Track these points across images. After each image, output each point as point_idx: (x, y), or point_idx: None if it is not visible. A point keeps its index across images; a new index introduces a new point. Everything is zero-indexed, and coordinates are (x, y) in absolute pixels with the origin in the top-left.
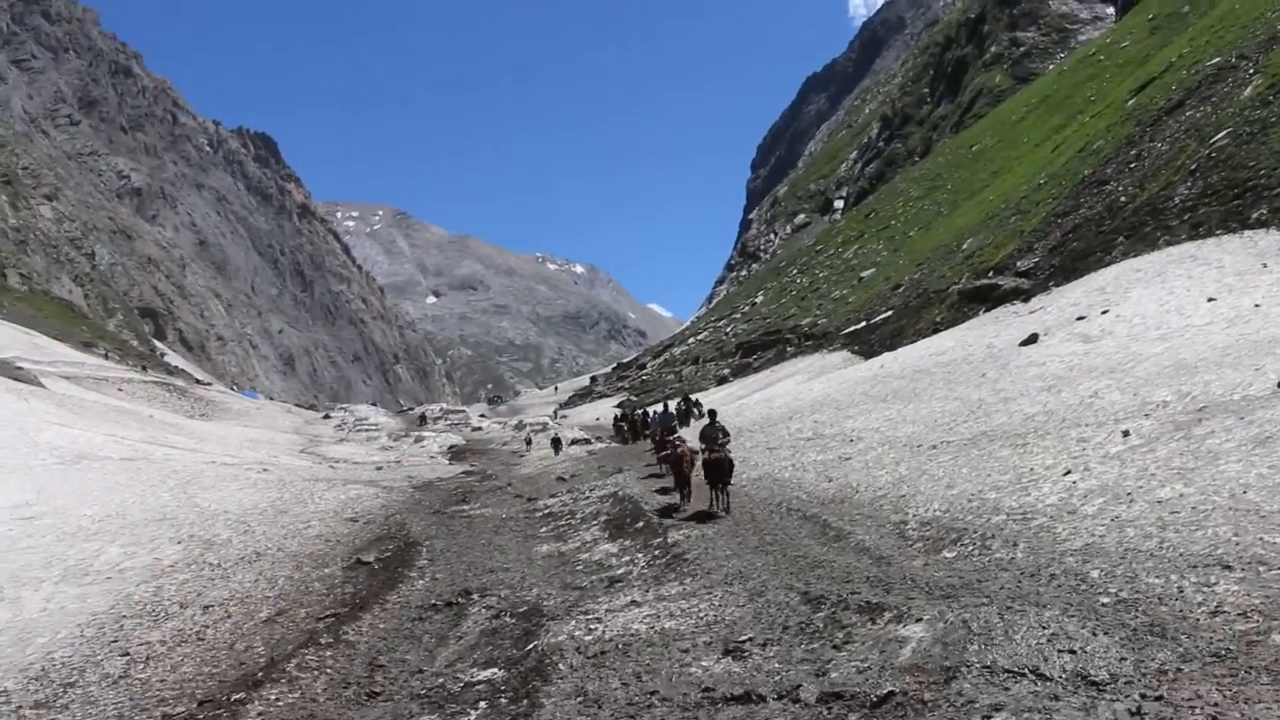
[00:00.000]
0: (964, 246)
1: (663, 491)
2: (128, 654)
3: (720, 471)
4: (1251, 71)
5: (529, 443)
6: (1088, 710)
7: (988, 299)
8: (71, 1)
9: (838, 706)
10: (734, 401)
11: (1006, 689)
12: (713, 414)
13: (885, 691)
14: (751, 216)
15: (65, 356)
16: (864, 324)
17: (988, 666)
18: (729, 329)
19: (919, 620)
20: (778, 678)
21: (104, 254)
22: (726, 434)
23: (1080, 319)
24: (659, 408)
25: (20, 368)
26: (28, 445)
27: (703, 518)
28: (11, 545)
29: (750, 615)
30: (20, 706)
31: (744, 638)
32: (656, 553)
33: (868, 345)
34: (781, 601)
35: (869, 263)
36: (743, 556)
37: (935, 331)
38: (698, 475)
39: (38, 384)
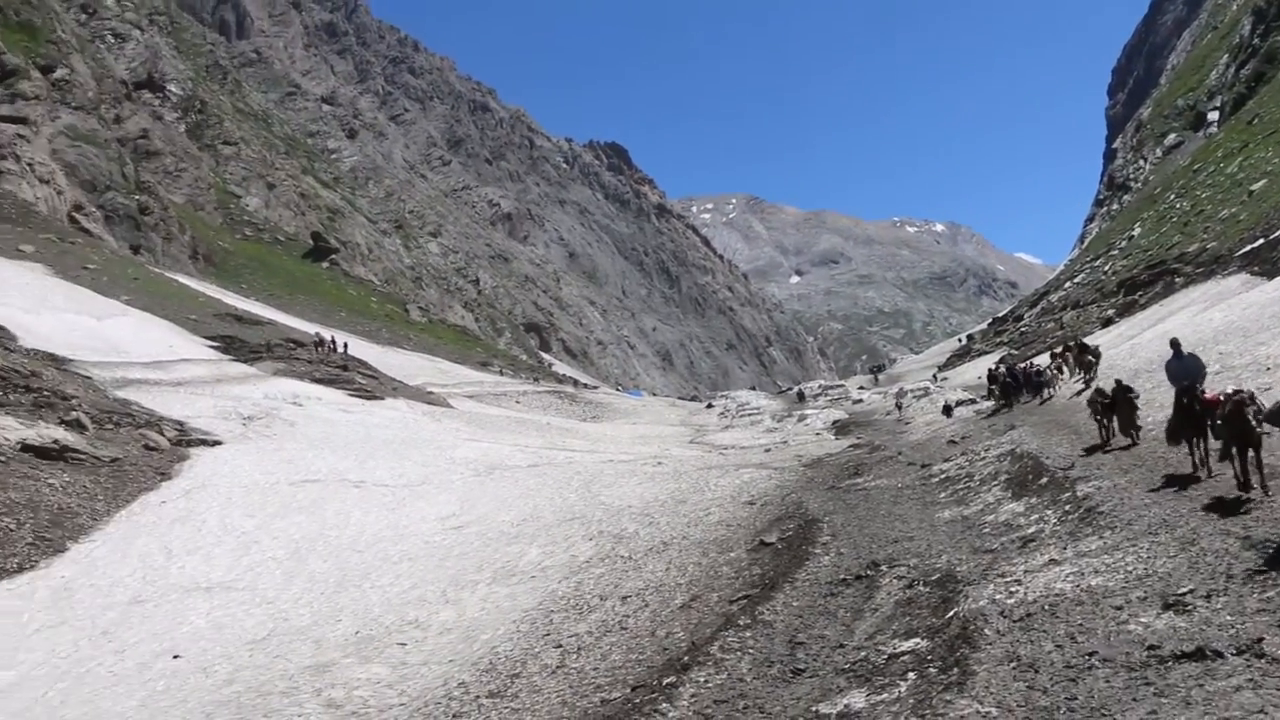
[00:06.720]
0: None
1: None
2: (560, 645)
3: None
4: None
5: (899, 407)
6: None
7: None
8: (430, 54)
9: None
10: (1125, 342)
11: None
12: None
13: None
14: (1115, 146)
15: (466, 377)
16: (1262, 241)
17: None
18: (1107, 267)
19: None
20: (1232, 631)
21: (486, 278)
22: None
23: None
24: (1030, 362)
25: (431, 392)
26: (447, 461)
27: None
28: (447, 553)
29: (1185, 565)
30: (478, 696)
31: (1183, 590)
32: (1067, 508)
33: (1270, 264)
34: (1219, 549)
35: (1259, 173)
36: (1164, 504)
37: None
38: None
39: (447, 405)
